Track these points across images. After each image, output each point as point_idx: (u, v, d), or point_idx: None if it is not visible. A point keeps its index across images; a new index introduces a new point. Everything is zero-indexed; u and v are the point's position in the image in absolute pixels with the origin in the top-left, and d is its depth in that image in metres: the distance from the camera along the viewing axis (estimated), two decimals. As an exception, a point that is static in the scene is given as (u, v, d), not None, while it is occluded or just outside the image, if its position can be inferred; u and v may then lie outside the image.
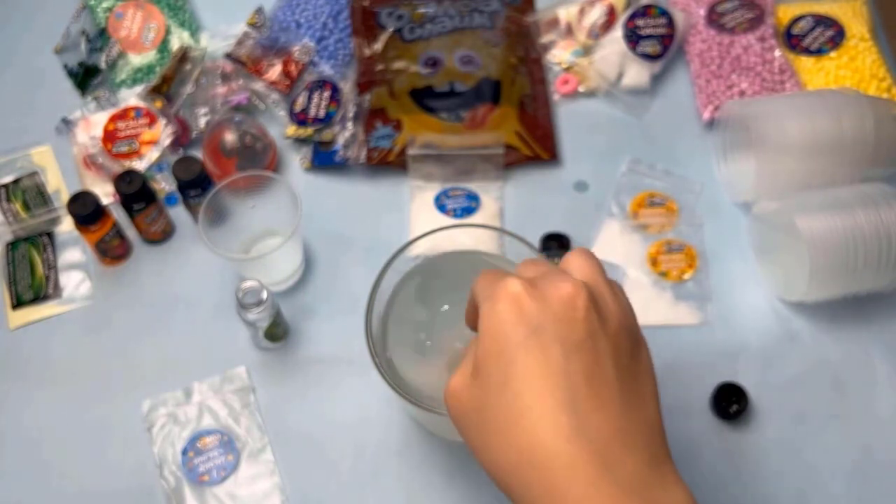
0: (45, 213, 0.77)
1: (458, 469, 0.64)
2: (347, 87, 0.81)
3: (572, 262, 0.43)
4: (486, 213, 0.76)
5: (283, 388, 0.69)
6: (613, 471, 0.36)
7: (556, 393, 0.37)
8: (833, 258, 0.65)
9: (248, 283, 0.64)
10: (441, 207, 0.76)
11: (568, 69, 0.84)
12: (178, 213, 0.78)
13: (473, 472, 0.64)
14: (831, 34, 0.82)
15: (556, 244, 0.74)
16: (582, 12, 0.85)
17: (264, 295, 0.64)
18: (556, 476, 0.37)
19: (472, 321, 0.45)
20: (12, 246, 0.76)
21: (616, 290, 0.42)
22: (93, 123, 0.80)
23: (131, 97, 0.81)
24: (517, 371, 0.38)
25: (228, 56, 0.82)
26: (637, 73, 0.83)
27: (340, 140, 0.79)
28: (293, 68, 0.82)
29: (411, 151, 0.77)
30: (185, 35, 0.86)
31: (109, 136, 0.78)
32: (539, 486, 0.37)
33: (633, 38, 0.82)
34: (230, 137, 0.76)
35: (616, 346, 0.39)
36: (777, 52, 0.81)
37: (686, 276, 0.73)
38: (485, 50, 0.83)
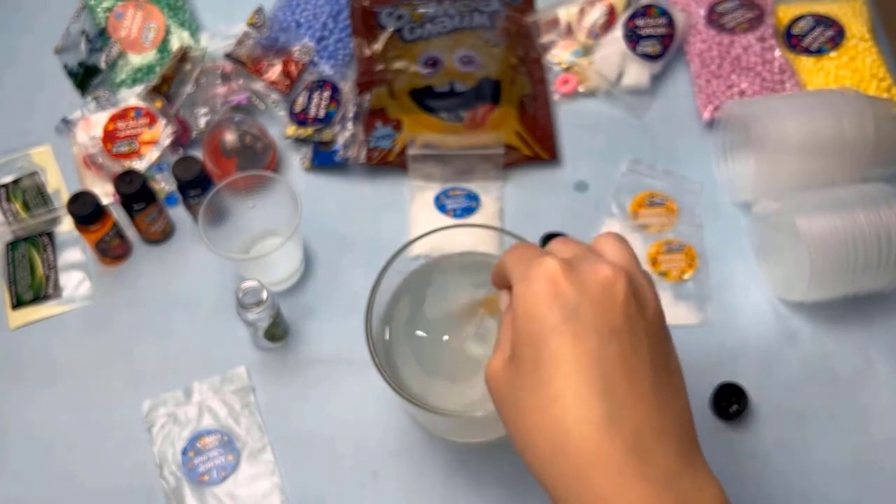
0: (45, 213, 0.77)
1: (457, 469, 0.64)
2: (347, 87, 0.81)
3: (606, 245, 0.41)
4: (486, 213, 0.76)
5: (283, 388, 0.69)
6: (645, 461, 0.36)
7: (589, 381, 0.36)
8: (833, 258, 0.65)
9: (248, 283, 0.64)
10: (441, 207, 0.76)
11: (568, 69, 0.84)
12: (178, 213, 0.78)
13: (473, 473, 0.64)
14: (831, 34, 0.82)
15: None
16: (582, 12, 0.85)
17: (264, 295, 0.64)
18: (585, 465, 0.36)
19: (499, 283, 0.45)
20: (12, 246, 0.76)
21: (650, 279, 0.41)
22: (93, 123, 0.80)
23: (131, 97, 0.81)
24: (551, 356, 0.37)
25: (228, 56, 0.82)
26: (637, 73, 0.83)
27: (340, 140, 0.79)
28: (293, 68, 0.82)
29: (411, 151, 0.77)
30: (185, 35, 0.86)
31: (109, 136, 0.78)
32: (569, 475, 0.36)
33: (633, 38, 0.82)
34: (230, 137, 0.76)
35: (652, 336, 0.38)
36: (777, 52, 0.81)
37: (686, 276, 0.73)
38: (485, 50, 0.83)
